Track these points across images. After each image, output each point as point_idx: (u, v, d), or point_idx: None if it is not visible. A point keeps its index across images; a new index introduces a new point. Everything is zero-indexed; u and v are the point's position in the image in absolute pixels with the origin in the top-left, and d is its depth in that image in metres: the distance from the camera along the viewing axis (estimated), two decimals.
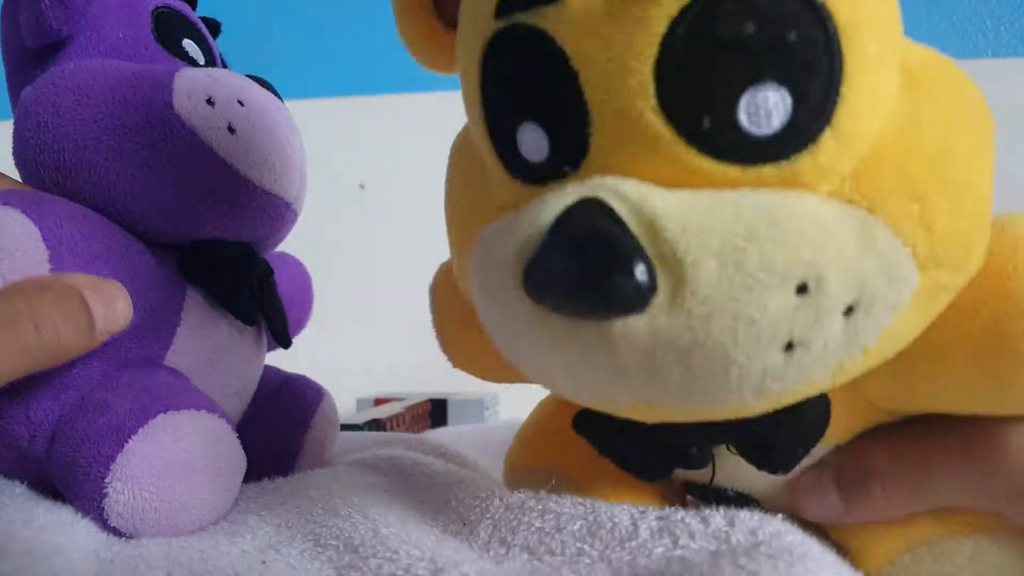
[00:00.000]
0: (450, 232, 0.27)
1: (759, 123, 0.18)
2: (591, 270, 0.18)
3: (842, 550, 0.26)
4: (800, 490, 0.26)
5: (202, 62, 0.37)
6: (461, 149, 0.27)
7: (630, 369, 0.19)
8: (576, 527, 0.25)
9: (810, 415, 0.23)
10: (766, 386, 0.19)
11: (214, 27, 0.41)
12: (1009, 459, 0.23)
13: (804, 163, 0.18)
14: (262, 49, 1.05)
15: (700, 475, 0.27)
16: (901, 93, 0.20)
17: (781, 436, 0.24)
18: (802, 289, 0.18)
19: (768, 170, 0.18)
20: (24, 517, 0.26)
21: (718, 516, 0.24)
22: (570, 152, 0.20)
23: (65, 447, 0.28)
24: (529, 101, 0.21)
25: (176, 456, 0.28)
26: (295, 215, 0.38)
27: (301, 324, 0.45)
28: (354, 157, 1.10)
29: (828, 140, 0.18)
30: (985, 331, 0.21)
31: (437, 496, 0.31)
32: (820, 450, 0.25)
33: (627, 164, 0.19)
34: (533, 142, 0.21)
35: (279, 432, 0.39)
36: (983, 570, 0.24)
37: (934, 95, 0.20)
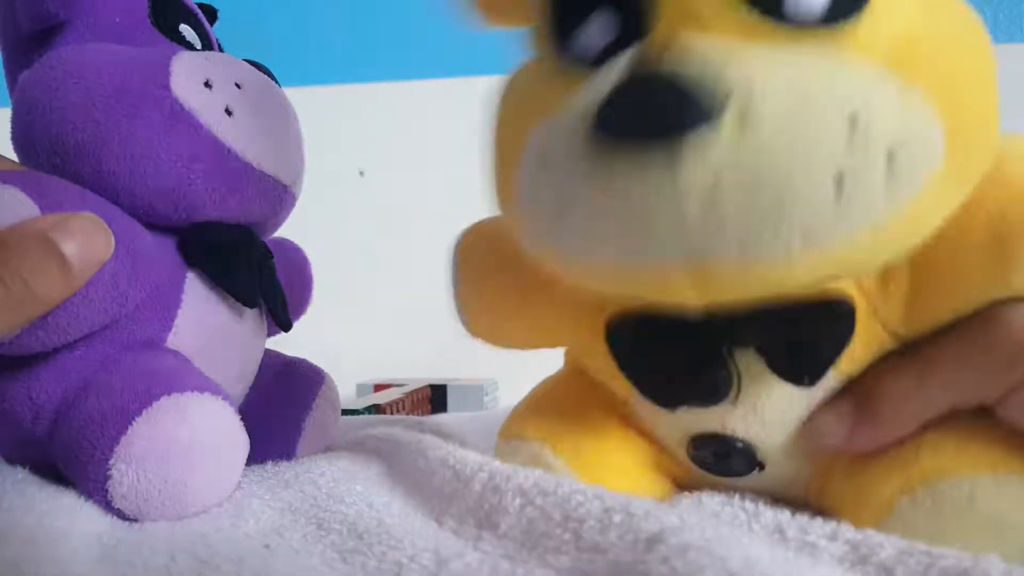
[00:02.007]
0: (497, 161, 0.27)
1: None
2: (666, 91, 0.20)
3: (841, 507, 0.27)
4: (815, 414, 0.27)
5: (199, 47, 0.37)
6: (510, 86, 0.28)
7: (691, 212, 0.20)
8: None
9: (838, 316, 0.25)
10: (816, 229, 0.20)
11: (211, 13, 0.41)
12: (1004, 330, 0.24)
13: (847, 33, 0.21)
14: (262, 36, 1.04)
15: (715, 419, 0.28)
16: (916, 3, 0.22)
17: (809, 337, 0.25)
18: (853, 121, 0.19)
19: (817, 35, 0.21)
20: (26, 503, 0.26)
21: None
22: (636, 28, 0.22)
23: (69, 429, 0.28)
24: None
25: (180, 438, 0.28)
26: (293, 198, 0.38)
27: (301, 308, 0.45)
28: (354, 144, 1.10)
29: (867, 14, 0.21)
30: (991, 220, 0.23)
31: (436, 467, 0.31)
32: (834, 381, 0.26)
33: (691, 31, 0.21)
34: (602, 27, 0.23)
35: (281, 415, 0.39)
36: (983, 510, 0.23)
37: (944, 7, 0.23)
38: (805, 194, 0.19)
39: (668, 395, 0.28)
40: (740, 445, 0.28)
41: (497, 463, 0.28)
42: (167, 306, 0.32)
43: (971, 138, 0.22)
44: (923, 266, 0.24)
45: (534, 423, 0.32)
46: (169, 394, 0.29)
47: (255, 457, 0.34)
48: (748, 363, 0.26)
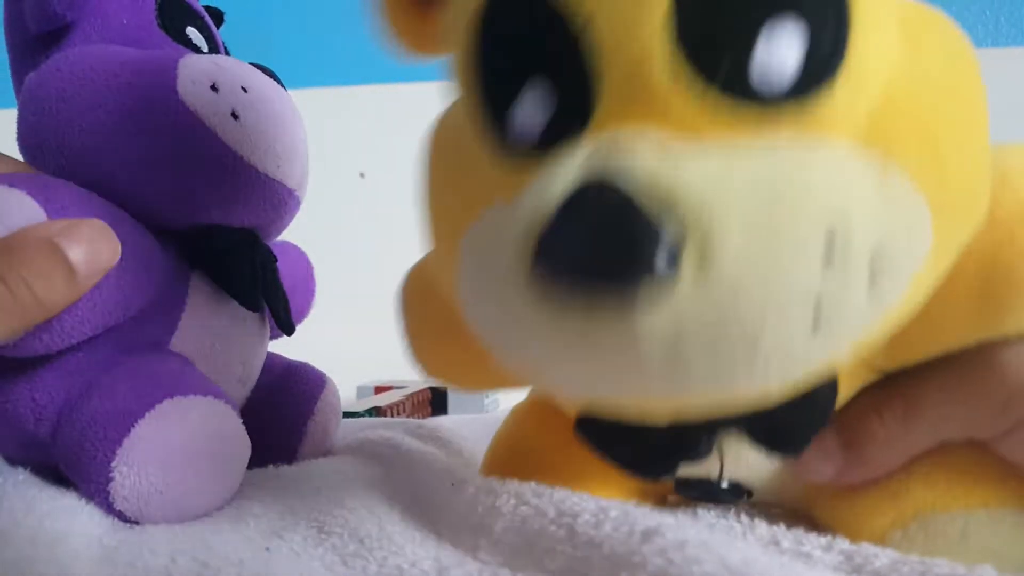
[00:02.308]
0: (431, 230, 0.25)
1: (776, 63, 0.18)
2: (613, 242, 0.17)
3: (832, 531, 0.26)
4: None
5: (205, 50, 0.37)
6: (442, 138, 0.25)
7: (653, 361, 0.18)
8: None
9: (820, 395, 0.23)
10: (792, 367, 0.19)
11: (218, 16, 0.41)
12: (997, 373, 0.23)
13: (821, 105, 0.18)
14: (263, 38, 1.04)
15: (700, 469, 0.27)
16: (900, 41, 0.20)
17: (793, 420, 0.23)
18: (829, 251, 0.17)
19: (786, 110, 0.18)
20: (27, 505, 0.26)
21: None
22: (576, 110, 0.19)
23: (71, 431, 0.28)
24: (531, 61, 0.20)
25: (182, 441, 0.28)
26: (298, 202, 0.38)
27: (303, 312, 0.45)
28: (354, 146, 1.10)
29: (843, 82, 0.18)
30: (981, 263, 0.22)
31: (433, 472, 0.32)
32: None
33: (640, 114, 0.18)
34: (534, 107, 0.20)
35: (282, 419, 0.39)
36: (975, 546, 0.23)
37: (930, 43, 0.20)
38: (779, 332, 0.18)
39: (649, 473, 0.27)
40: (726, 485, 0.27)
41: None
42: (171, 309, 0.33)
43: (960, 203, 0.20)
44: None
45: (517, 468, 0.30)
46: (172, 397, 0.29)
47: (256, 460, 0.34)
48: (730, 441, 0.25)
